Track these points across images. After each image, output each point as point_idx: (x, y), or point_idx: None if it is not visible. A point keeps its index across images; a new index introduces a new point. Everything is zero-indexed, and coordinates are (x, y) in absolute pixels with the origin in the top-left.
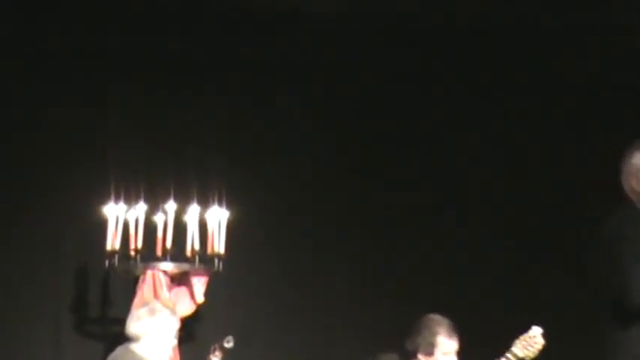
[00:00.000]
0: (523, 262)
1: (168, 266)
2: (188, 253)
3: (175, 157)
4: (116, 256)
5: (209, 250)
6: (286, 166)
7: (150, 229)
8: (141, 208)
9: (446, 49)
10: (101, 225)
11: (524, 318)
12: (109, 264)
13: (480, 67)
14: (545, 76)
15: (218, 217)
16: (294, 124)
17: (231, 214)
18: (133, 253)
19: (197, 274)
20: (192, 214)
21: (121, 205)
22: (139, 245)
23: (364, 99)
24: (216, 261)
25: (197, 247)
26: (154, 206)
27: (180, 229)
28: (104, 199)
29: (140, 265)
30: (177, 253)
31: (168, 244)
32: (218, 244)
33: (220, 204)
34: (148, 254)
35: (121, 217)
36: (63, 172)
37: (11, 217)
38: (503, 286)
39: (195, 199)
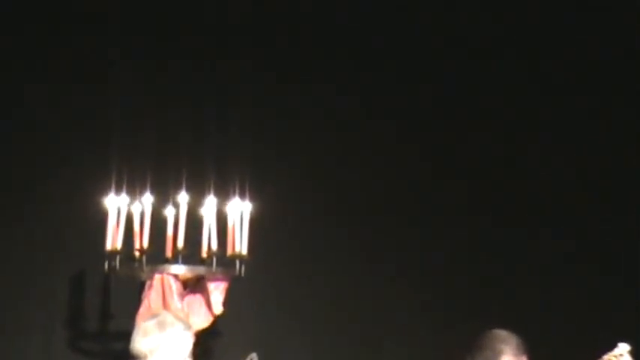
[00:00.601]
0: (595, 273)
1: (180, 270)
2: (204, 254)
3: (189, 141)
4: (117, 258)
5: (229, 251)
6: (321, 152)
7: (158, 225)
8: (147, 200)
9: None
10: (100, 220)
11: (605, 335)
12: (108, 267)
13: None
14: None
15: (239, 211)
16: (327, 108)
17: (255, 209)
18: (137, 253)
19: (214, 279)
20: (209, 207)
21: (124, 197)
22: (145, 244)
23: (398, 93)
24: (237, 263)
25: (214, 246)
26: (163, 198)
27: (194, 225)
28: (103, 190)
29: (146, 268)
30: (190, 254)
31: (180, 243)
32: (240, 244)
33: (242, 196)
34: (156, 255)
35: (123, 210)
36: (55, 158)
37: None
38: (579, 298)
39: (211, 190)
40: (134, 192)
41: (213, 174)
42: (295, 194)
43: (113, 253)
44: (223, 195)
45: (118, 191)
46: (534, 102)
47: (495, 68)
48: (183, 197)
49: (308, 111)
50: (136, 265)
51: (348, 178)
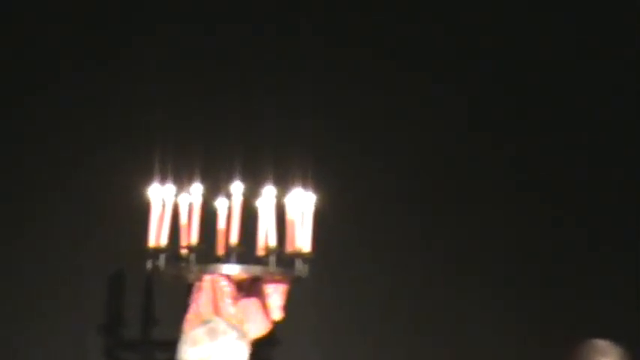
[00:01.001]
0: None
1: (234, 270)
2: (260, 251)
3: (244, 124)
4: (162, 257)
5: (289, 248)
6: (392, 138)
7: (208, 218)
8: (196, 190)
9: None
10: (142, 213)
11: None
12: (152, 267)
13: None
14: None
15: (302, 202)
16: (400, 94)
17: (319, 200)
18: (184, 251)
19: (272, 280)
20: (267, 198)
21: (169, 187)
22: (194, 241)
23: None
24: (299, 263)
25: (272, 243)
26: (215, 188)
27: (249, 218)
28: (146, 179)
29: (195, 268)
30: (245, 251)
31: (234, 239)
32: (301, 240)
33: (304, 186)
34: (206, 253)
35: (168, 202)
36: (91, 146)
37: (23, 206)
38: None
39: (270, 179)
40: (181, 181)
41: (271, 160)
42: (363, 184)
43: (157, 250)
44: (283, 184)
45: (163, 180)
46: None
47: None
48: (237, 187)
49: (378, 91)
50: (183, 264)
51: (422, 168)
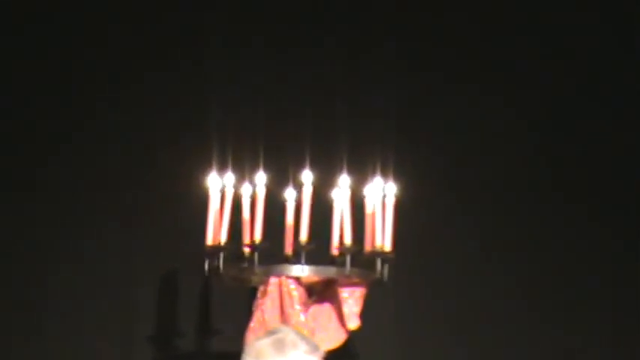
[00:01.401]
0: None
1: (304, 271)
2: (334, 250)
3: (314, 105)
4: (221, 256)
5: (367, 247)
6: (477, 124)
7: (274, 212)
8: (260, 180)
9: None
10: (198, 207)
11: None
12: (209, 267)
13: None
14: None
15: (382, 195)
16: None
17: (401, 192)
18: (247, 250)
19: (349, 283)
20: (342, 189)
21: (229, 176)
22: (258, 238)
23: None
24: (378, 263)
25: (348, 241)
26: (281, 177)
27: (322, 213)
28: (203, 167)
29: (259, 269)
30: (317, 250)
31: (303, 236)
32: (382, 237)
33: (385, 176)
34: (272, 252)
35: (228, 193)
36: (137, 128)
37: (68, 200)
38: None
39: (345, 168)
40: (243, 170)
41: (346, 147)
42: (448, 174)
43: (215, 249)
44: (360, 174)
45: (222, 169)
46: None
47: None
48: (307, 176)
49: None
50: (246, 265)
51: (513, 157)
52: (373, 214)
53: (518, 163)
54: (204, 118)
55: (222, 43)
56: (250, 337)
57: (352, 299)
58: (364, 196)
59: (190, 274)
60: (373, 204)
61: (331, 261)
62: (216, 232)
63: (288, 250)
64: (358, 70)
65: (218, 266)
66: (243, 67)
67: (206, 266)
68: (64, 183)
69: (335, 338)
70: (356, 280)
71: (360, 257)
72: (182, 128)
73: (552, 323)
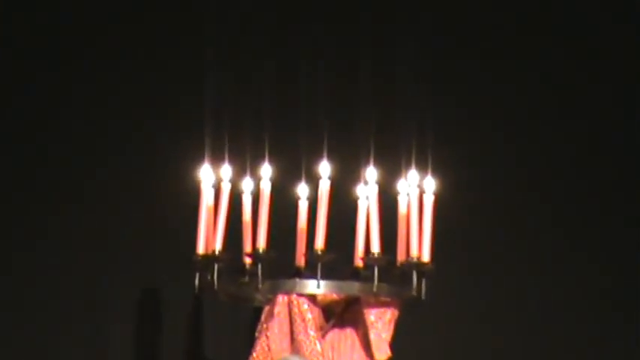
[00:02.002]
0: None
1: (320, 287)
2: (358, 261)
3: (331, 83)
4: (215, 268)
5: (400, 256)
6: (524, 113)
7: (282, 213)
8: (265, 172)
9: None
10: (187, 205)
11: None
12: (200, 283)
13: None
14: None
15: (419, 191)
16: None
17: (439, 188)
18: (248, 260)
19: (377, 303)
20: (368, 186)
21: (226, 168)
22: (261, 245)
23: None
24: (414, 277)
25: (376, 249)
26: (292, 170)
27: (343, 214)
28: (194, 157)
29: (263, 285)
30: (336, 261)
31: (319, 243)
32: (419, 245)
33: (422, 168)
34: (280, 263)
35: (225, 189)
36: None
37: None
38: None
39: (371, 158)
40: (243, 160)
41: (372, 132)
42: (493, 171)
43: (208, 259)
44: (390, 165)
45: (217, 160)
46: None
47: None
48: (324, 168)
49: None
50: (247, 279)
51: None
52: (407, 216)
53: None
54: (196, 95)
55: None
56: None
57: (381, 323)
58: (397, 194)
59: (177, 291)
60: (407, 203)
61: (355, 275)
62: (209, 238)
63: (300, 260)
64: (382, 36)
65: (212, 281)
66: (247, 31)
67: (196, 281)
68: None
69: None
70: (386, 299)
71: (391, 270)
72: (169, 107)
73: (609, 346)
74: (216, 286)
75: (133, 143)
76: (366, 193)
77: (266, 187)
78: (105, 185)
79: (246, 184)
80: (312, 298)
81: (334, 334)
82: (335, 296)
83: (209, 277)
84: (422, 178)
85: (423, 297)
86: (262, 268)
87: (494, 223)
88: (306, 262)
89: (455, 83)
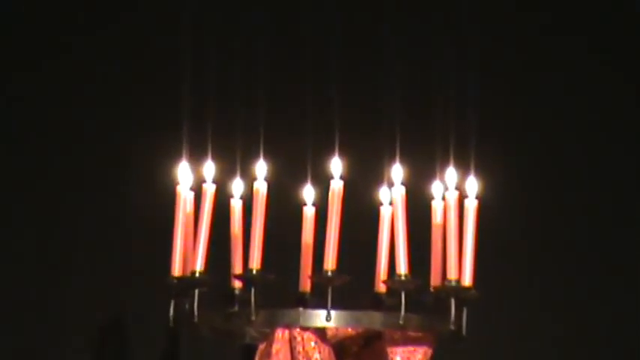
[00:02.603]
0: None
1: (331, 319)
2: (379, 286)
3: (342, 60)
4: (196, 294)
5: (435, 280)
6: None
7: (282, 224)
8: (260, 171)
9: None
10: (160, 213)
11: None
12: (174, 312)
13: None
14: None
15: (455, 195)
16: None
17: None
18: (238, 284)
19: (404, 339)
20: (394, 188)
21: (209, 166)
22: (255, 265)
23: None
24: (452, 305)
25: (403, 269)
26: (293, 168)
27: (360, 224)
28: (170, 152)
29: (259, 315)
30: (352, 285)
31: (330, 262)
32: (459, 265)
33: (463, 166)
34: (278, 288)
35: (209, 192)
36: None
37: None
38: None
39: (397, 153)
40: (232, 156)
41: (397, 120)
42: (553, 169)
43: (186, 283)
44: (421, 163)
45: (199, 154)
46: None
47: None
48: (336, 166)
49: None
50: (235, 308)
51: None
52: (444, 227)
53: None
54: (174, 77)
55: None
56: None
57: None
58: (430, 198)
59: (145, 324)
60: (444, 210)
61: (375, 303)
62: (187, 255)
63: (306, 284)
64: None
65: (191, 311)
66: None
67: (171, 311)
68: None
69: None
70: (416, 334)
71: (422, 297)
72: (141, 91)
73: None
74: (196, 318)
75: (86, 130)
76: (391, 197)
77: (261, 190)
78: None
79: (236, 186)
80: (320, 334)
81: None
82: (350, 331)
83: (187, 306)
84: (462, 179)
85: (464, 332)
86: (256, 294)
87: (552, 235)
88: (313, 286)
89: (505, 61)
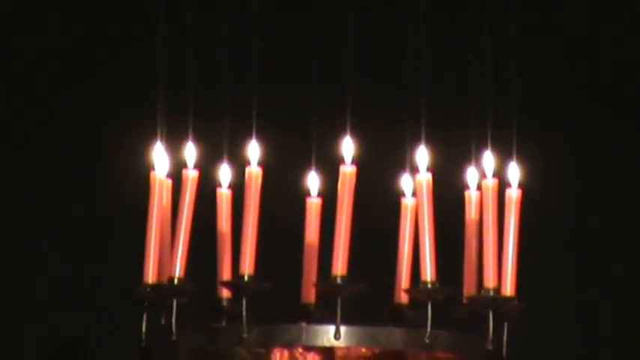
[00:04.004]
0: None
1: (340, 337)
2: (400, 295)
3: (350, 28)
4: (174, 305)
5: (468, 288)
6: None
7: (279, 218)
8: (253, 154)
9: None
10: (133, 206)
11: None
12: (147, 328)
13: None
14: None
15: (493, 184)
16: None
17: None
18: (226, 293)
19: None
20: (418, 176)
21: (190, 148)
22: (248, 270)
23: None
24: (490, 320)
25: (429, 275)
26: (293, 152)
27: (375, 221)
28: (145, 133)
29: (252, 332)
30: (366, 295)
31: (340, 267)
32: (497, 270)
33: (502, 150)
34: (275, 298)
35: (190, 181)
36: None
37: None
38: None
39: (422, 135)
40: (218, 137)
41: (422, 95)
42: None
43: (162, 291)
44: (450, 147)
45: (178, 137)
46: None
47: None
48: (347, 147)
49: None
50: (223, 323)
51: None
52: (479, 223)
53: None
54: (149, 44)
55: None
56: None
57: None
58: (462, 188)
59: (113, 340)
60: (479, 202)
61: (396, 316)
62: (163, 258)
63: (309, 294)
64: None
65: (168, 327)
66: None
67: (143, 327)
68: None
69: None
70: (446, 355)
71: (453, 309)
72: (112, 61)
73: None
74: (174, 335)
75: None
76: (414, 186)
77: (254, 177)
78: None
79: (224, 173)
80: (328, 355)
81: None
82: (364, 351)
83: (163, 320)
84: (502, 166)
85: (505, 351)
86: (248, 306)
87: (611, 234)
88: (319, 296)
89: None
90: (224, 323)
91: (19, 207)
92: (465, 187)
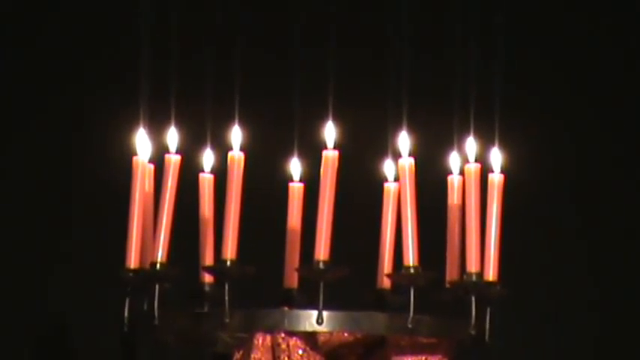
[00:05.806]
0: None
1: (322, 322)
2: (383, 280)
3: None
4: (156, 290)
5: (452, 273)
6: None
7: (261, 203)
8: (235, 138)
9: None
10: (113, 191)
11: None
12: (128, 313)
13: None
14: None
15: (475, 168)
16: None
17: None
18: (208, 278)
19: (413, 346)
20: (401, 161)
21: (172, 133)
22: (230, 254)
23: None
24: (473, 305)
25: (411, 260)
26: (276, 135)
27: (358, 205)
28: (126, 118)
29: (234, 317)
30: (349, 279)
31: (322, 252)
32: (479, 255)
33: (484, 136)
34: (258, 283)
35: (172, 165)
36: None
37: None
38: None
39: (404, 119)
40: (200, 122)
41: (404, 80)
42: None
43: (145, 276)
44: (433, 132)
45: (159, 119)
46: None
47: None
48: (329, 132)
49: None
50: (206, 309)
51: None
52: (462, 208)
53: None
54: (131, 30)
55: None
56: None
57: None
58: (445, 173)
59: (94, 326)
60: (461, 187)
61: (378, 301)
62: (145, 243)
63: (292, 279)
64: None
65: (151, 312)
66: None
67: (125, 312)
68: None
69: None
70: (429, 340)
71: (436, 294)
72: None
73: None
74: (156, 320)
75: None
76: (396, 171)
77: (237, 162)
78: None
79: (206, 158)
80: (310, 339)
81: None
82: (347, 336)
83: (145, 306)
84: (484, 150)
85: (488, 337)
86: (230, 291)
87: (595, 220)
88: (301, 281)
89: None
90: (206, 308)
91: None
92: (448, 172)
